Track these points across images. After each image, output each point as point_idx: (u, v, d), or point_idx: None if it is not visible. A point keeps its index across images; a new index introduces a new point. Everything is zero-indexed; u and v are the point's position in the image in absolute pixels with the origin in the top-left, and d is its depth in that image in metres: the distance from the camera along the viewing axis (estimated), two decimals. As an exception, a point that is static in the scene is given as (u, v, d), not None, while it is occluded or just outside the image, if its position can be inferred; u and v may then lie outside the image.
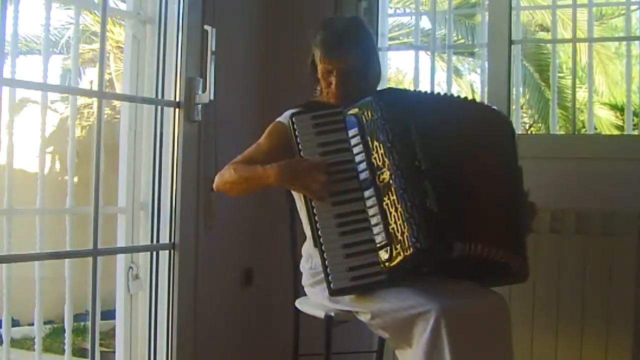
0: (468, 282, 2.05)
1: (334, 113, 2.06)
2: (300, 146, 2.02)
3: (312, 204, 2.00)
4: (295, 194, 2.25)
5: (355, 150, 1.99)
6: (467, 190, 1.97)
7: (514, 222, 2.04)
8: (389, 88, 2.33)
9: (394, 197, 1.90)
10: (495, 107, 2.36)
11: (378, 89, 2.26)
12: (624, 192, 2.68)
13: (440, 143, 1.97)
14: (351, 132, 2.01)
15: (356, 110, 2.02)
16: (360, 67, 2.16)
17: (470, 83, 10.73)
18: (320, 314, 2.18)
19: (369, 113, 1.98)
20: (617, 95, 9.83)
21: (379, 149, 1.94)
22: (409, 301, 1.91)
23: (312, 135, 2.03)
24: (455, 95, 2.29)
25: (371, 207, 1.94)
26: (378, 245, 1.91)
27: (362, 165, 1.97)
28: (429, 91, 2.29)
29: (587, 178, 2.75)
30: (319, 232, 1.97)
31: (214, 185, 2.20)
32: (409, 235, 1.85)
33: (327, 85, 2.18)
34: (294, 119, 2.05)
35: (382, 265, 1.90)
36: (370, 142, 1.97)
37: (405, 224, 1.86)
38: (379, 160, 1.94)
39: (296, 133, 2.03)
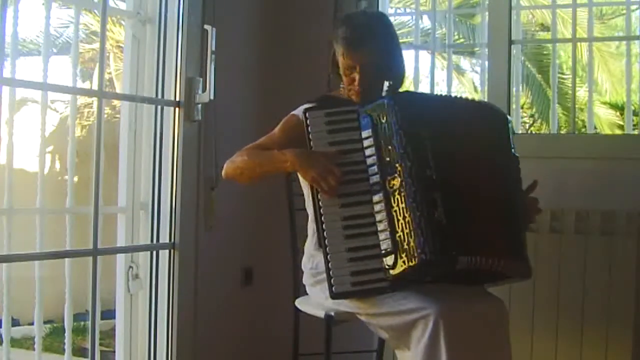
0: (469, 286, 2.05)
1: (348, 112, 2.02)
2: (312, 143, 1.99)
3: (320, 203, 1.96)
4: (305, 191, 2.20)
5: (368, 152, 1.95)
6: (474, 201, 1.94)
7: (516, 227, 2.03)
8: (406, 91, 2.29)
9: (403, 204, 1.87)
10: (490, 103, 2.32)
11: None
12: (624, 192, 2.68)
13: (451, 152, 1.94)
14: (364, 134, 1.97)
15: (371, 111, 1.97)
16: (383, 61, 2.10)
17: (472, 81, 10.72)
18: (320, 314, 2.18)
19: (384, 116, 1.94)
20: (619, 93, 9.83)
21: (391, 153, 1.91)
22: (409, 304, 1.90)
23: (324, 132, 1.99)
24: (459, 96, 2.26)
25: (379, 212, 1.91)
26: (383, 251, 1.89)
27: (373, 169, 1.94)
28: (437, 93, 2.27)
29: (587, 178, 2.75)
30: (325, 233, 1.94)
31: (223, 172, 2.16)
32: (415, 246, 1.83)
33: (349, 82, 2.11)
34: (307, 114, 2.01)
35: (385, 273, 1.88)
36: (383, 146, 1.93)
37: (412, 233, 1.84)
38: (391, 165, 1.91)
39: (309, 129, 1.99)
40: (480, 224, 1.93)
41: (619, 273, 2.59)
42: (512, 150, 2.08)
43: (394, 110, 1.93)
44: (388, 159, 1.92)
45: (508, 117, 2.15)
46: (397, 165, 1.90)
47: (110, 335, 3.98)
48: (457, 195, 1.91)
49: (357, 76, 2.08)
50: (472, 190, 1.95)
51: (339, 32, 2.12)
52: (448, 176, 1.91)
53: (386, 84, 2.15)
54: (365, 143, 1.97)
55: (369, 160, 1.95)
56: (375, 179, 1.93)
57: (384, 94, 2.13)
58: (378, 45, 2.09)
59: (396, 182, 1.90)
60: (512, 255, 1.97)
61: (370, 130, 1.96)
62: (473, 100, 2.41)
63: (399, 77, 2.20)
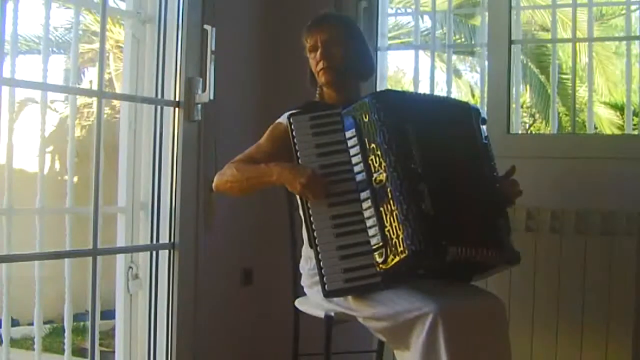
0: (464, 283, 2.06)
1: (331, 114, 2.07)
2: (297, 147, 2.03)
3: (308, 204, 2.00)
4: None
5: (352, 151, 1.99)
6: (459, 192, 1.98)
7: (499, 214, 2.06)
8: (387, 89, 2.36)
9: (390, 199, 1.89)
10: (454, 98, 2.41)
11: (377, 89, 2.27)
12: (624, 192, 2.68)
13: (435, 145, 1.98)
14: (348, 134, 2.01)
15: (354, 111, 2.02)
16: (342, 36, 2.22)
17: (469, 83, 10.72)
18: (320, 314, 2.18)
19: (367, 114, 1.98)
20: (617, 95, 9.84)
21: (376, 150, 1.94)
22: (406, 305, 1.91)
23: (309, 136, 2.04)
24: (439, 94, 2.34)
25: (367, 209, 1.94)
26: (373, 247, 1.91)
27: (359, 167, 1.97)
28: (422, 92, 2.32)
29: (587, 178, 2.75)
30: (315, 233, 1.97)
31: (214, 185, 2.20)
32: (404, 238, 1.85)
33: (315, 65, 2.22)
34: (291, 120, 2.06)
35: (377, 268, 1.90)
36: (367, 144, 1.97)
37: (400, 226, 1.86)
38: (376, 162, 1.94)
39: (294, 134, 2.04)
40: (466, 213, 1.97)
41: (619, 273, 2.59)
42: (483, 138, 2.13)
43: (375, 108, 1.97)
44: (373, 156, 1.95)
45: (472, 105, 2.22)
46: (382, 161, 1.93)
47: (110, 335, 3.98)
48: (443, 187, 1.94)
49: (318, 55, 2.20)
50: (456, 181, 2.00)
51: (303, 32, 2.27)
52: (433, 168, 1.94)
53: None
54: (350, 143, 2.00)
55: (355, 159, 1.99)
56: (361, 176, 1.96)
57: (349, 68, 2.22)
58: (335, 23, 2.26)
59: (382, 178, 1.92)
60: (499, 243, 2.00)
61: (353, 130, 2.00)
62: (444, 97, 2.61)
63: (367, 65, 2.30)
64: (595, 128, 8.90)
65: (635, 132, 7.92)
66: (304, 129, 2.04)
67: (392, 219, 1.88)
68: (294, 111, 2.13)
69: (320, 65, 2.21)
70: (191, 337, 2.75)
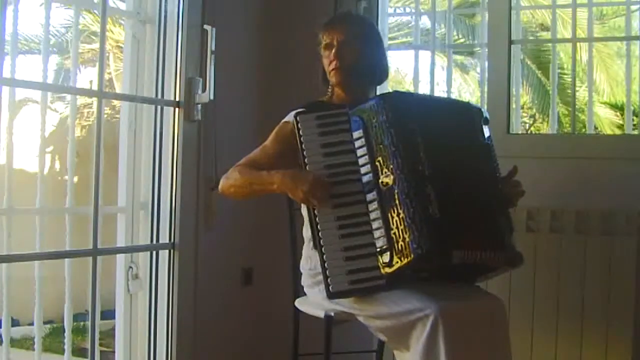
0: (465, 284, 2.06)
1: (339, 114, 2.05)
2: (303, 146, 2.01)
3: None
4: None
5: (359, 152, 1.98)
6: (463, 193, 1.97)
7: (503, 216, 2.06)
8: (395, 91, 2.35)
9: (397, 201, 1.88)
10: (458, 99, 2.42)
11: (383, 90, 2.27)
12: (624, 192, 2.68)
13: (440, 147, 1.97)
14: (356, 134, 2.00)
15: (361, 112, 2.00)
16: (359, 38, 2.21)
17: (477, 79, 10.69)
18: (320, 314, 2.18)
19: (375, 116, 1.97)
20: (618, 94, 9.83)
21: (383, 152, 1.93)
22: (407, 305, 1.90)
23: (315, 135, 2.02)
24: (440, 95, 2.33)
25: (373, 210, 1.93)
26: (378, 249, 1.90)
27: (366, 168, 1.96)
28: (426, 93, 2.32)
29: (587, 178, 2.75)
30: (320, 234, 1.96)
31: (219, 188, 2.20)
32: (410, 241, 1.85)
33: (328, 63, 2.21)
34: (298, 119, 2.04)
35: (381, 270, 1.90)
36: (374, 145, 1.95)
37: (406, 229, 1.85)
38: (383, 164, 1.93)
39: (300, 133, 2.02)
40: (470, 215, 1.96)
41: (619, 273, 2.59)
42: (486, 138, 2.12)
43: (384, 109, 1.96)
44: (380, 157, 1.94)
45: (475, 106, 2.23)
46: (389, 163, 1.92)
47: (110, 335, 3.97)
48: (448, 189, 1.93)
49: (333, 54, 2.19)
50: (460, 182, 1.98)
51: (321, 28, 2.24)
52: (439, 171, 1.93)
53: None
54: (357, 144, 1.99)
55: (361, 160, 1.98)
56: (368, 178, 1.96)
57: (362, 70, 2.21)
58: (355, 25, 2.24)
59: (389, 180, 1.91)
60: (502, 245, 2.00)
61: (361, 130, 1.99)
62: (447, 97, 2.62)
63: (378, 62, 2.29)
64: (596, 128, 8.90)
65: (635, 132, 7.92)
66: (310, 128, 2.02)
67: (398, 221, 1.88)
68: (300, 110, 2.11)
69: (333, 65, 2.20)
70: (191, 337, 2.75)
